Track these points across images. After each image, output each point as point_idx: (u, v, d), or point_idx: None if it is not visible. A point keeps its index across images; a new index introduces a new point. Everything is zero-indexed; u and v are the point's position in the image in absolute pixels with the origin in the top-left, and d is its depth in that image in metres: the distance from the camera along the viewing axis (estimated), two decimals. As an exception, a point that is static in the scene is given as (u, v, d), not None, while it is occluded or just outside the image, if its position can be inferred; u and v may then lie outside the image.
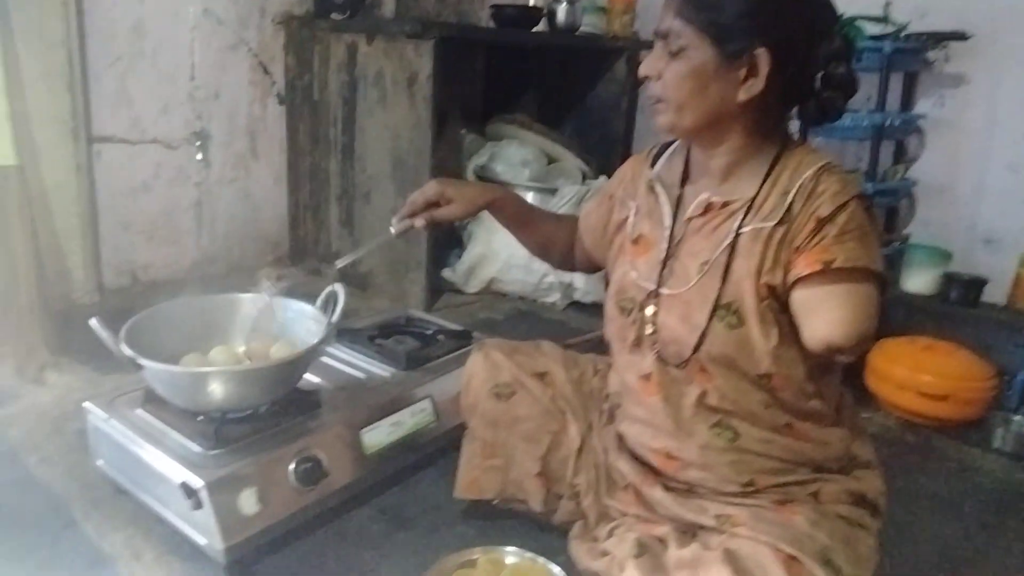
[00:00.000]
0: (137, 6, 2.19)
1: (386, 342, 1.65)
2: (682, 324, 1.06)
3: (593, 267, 1.37)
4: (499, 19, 2.63)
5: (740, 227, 1.03)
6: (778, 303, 1.01)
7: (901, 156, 2.50)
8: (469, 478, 1.30)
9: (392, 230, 1.27)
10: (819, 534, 0.99)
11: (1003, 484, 1.65)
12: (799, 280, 0.98)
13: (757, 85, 0.98)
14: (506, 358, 1.29)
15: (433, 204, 1.27)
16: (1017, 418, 1.83)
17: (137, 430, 1.26)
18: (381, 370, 1.55)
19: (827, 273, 0.95)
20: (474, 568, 1.18)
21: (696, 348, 1.04)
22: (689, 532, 1.08)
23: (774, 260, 1.00)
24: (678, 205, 1.12)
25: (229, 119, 2.48)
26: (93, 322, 1.17)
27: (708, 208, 1.07)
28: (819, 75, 1.03)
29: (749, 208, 1.03)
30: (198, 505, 1.13)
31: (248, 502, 1.17)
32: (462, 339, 1.70)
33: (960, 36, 2.23)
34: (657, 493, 1.12)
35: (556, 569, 1.17)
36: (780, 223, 1.00)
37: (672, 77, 1.01)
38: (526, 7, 2.63)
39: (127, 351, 1.17)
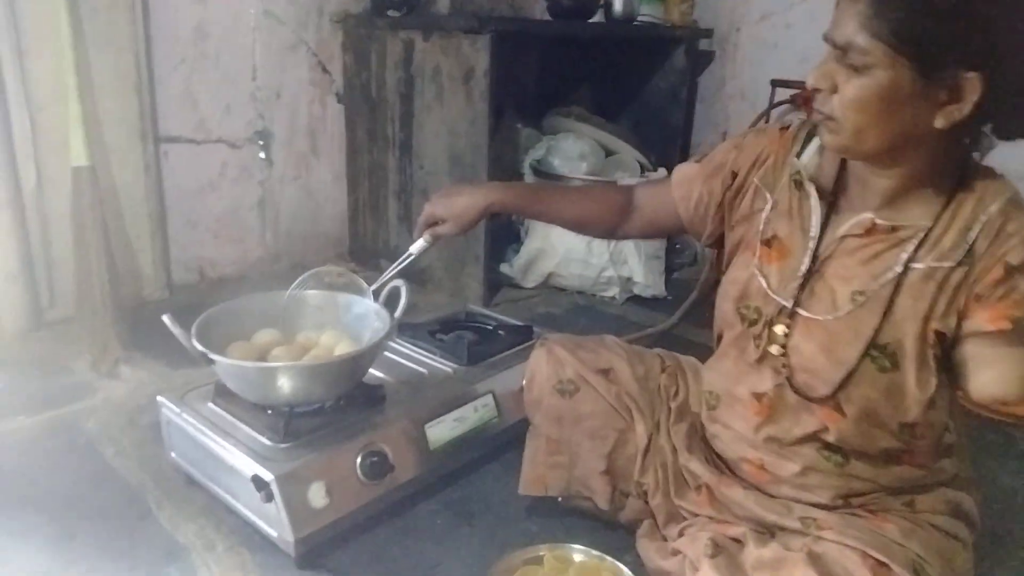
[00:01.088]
0: (199, 9, 2.24)
1: (447, 337, 1.65)
2: (824, 356, 0.96)
3: (658, 235, 1.30)
4: (555, 11, 2.60)
5: (911, 261, 0.92)
6: (943, 350, 0.93)
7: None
8: (534, 475, 1.28)
9: (412, 249, 1.33)
10: (912, 543, 0.94)
11: (1094, 485, 1.57)
12: (978, 332, 0.89)
13: (960, 111, 0.84)
14: (569, 354, 1.27)
15: (433, 223, 1.29)
16: (1108, 416, 1.73)
17: (208, 423, 1.28)
18: (443, 365, 1.55)
19: (1014, 331, 0.87)
20: (540, 565, 1.17)
21: (840, 386, 0.95)
22: (767, 532, 1.05)
23: (948, 305, 0.90)
24: (828, 215, 1.00)
25: (290, 118, 2.52)
26: (166, 318, 1.20)
27: (871, 230, 0.95)
28: None
29: (923, 241, 0.92)
30: (269, 498, 1.14)
31: (317, 495, 1.18)
32: (523, 334, 1.69)
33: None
34: (736, 493, 1.09)
35: (624, 568, 1.15)
36: (959, 264, 0.89)
37: (854, 96, 0.86)
38: (582, -2, 2.60)
39: (199, 347, 1.19)
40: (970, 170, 0.93)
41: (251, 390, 1.24)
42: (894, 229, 0.94)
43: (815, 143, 1.04)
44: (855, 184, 0.99)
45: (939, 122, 0.86)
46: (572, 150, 2.69)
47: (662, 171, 2.65)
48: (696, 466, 1.15)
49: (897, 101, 0.85)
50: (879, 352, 0.93)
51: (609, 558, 1.17)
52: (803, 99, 2.46)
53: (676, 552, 1.09)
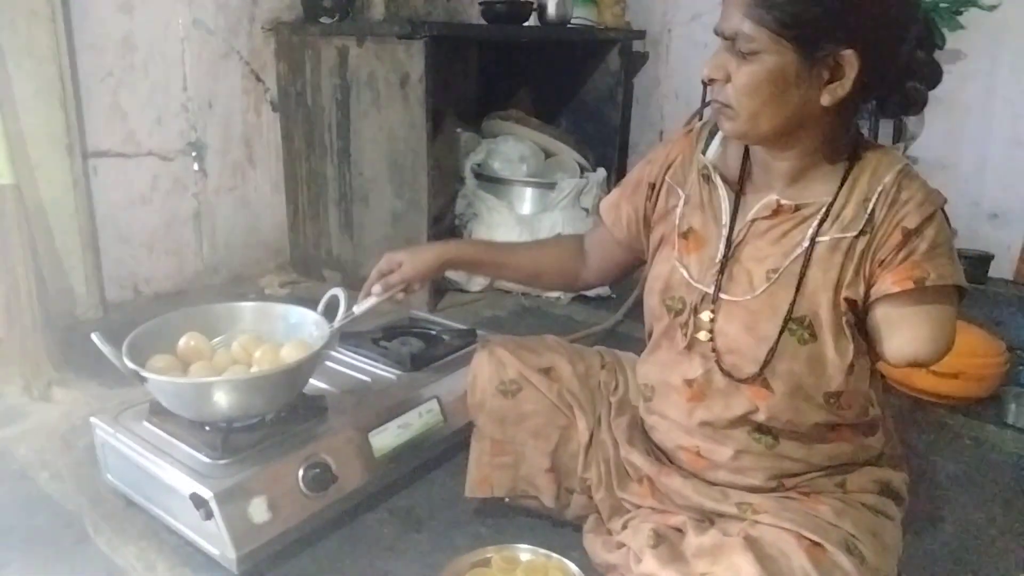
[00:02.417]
0: (126, 20, 2.18)
1: (390, 344, 1.65)
2: (747, 335, 1.00)
3: (617, 273, 1.29)
4: (489, 15, 2.62)
5: (816, 235, 0.97)
6: (856, 317, 0.98)
7: (901, 134, 2.49)
8: (479, 476, 1.29)
9: (355, 310, 1.30)
10: (844, 523, 0.98)
11: (1019, 459, 1.64)
12: (885, 296, 0.95)
13: (843, 88, 0.91)
14: (511, 355, 1.28)
15: (388, 274, 1.29)
16: (1030, 392, 1.82)
17: (144, 443, 1.25)
18: (387, 372, 1.54)
19: (917, 291, 0.93)
20: (488, 567, 1.17)
21: (765, 363, 0.99)
22: (706, 520, 1.07)
23: (855, 273, 0.96)
24: (737, 202, 1.05)
25: (224, 128, 2.48)
26: (95, 336, 1.17)
27: (777, 211, 1.00)
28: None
29: (825, 215, 0.97)
30: (208, 515, 1.12)
31: (258, 510, 1.16)
32: (467, 338, 1.70)
33: (954, 12, 2.22)
34: (675, 482, 1.11)
35: (571, 565, 1.16)
36: (861, 233, 0.95)
37: (745, 82, 0.92)
38: (516, 2, 2.62)
39: (130, 364, 1.16)
40: (863, 146, 1.00)
41: (186, 407, 1.22)
42: (798, 208, 1.00)
43: (719, 138, 1.10)
44: (758, 170, 1.04)
45: (825, 99, 0.92)
46: (512, 152, 2.71)
47: (601, 171, 2.68)
48: (637, 458, 1.17)
49: (785, 83, 0.92)
50: (797, 325, 0.98)
51: (556, 556, 1.18)
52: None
53: (620, 545, 1.11)
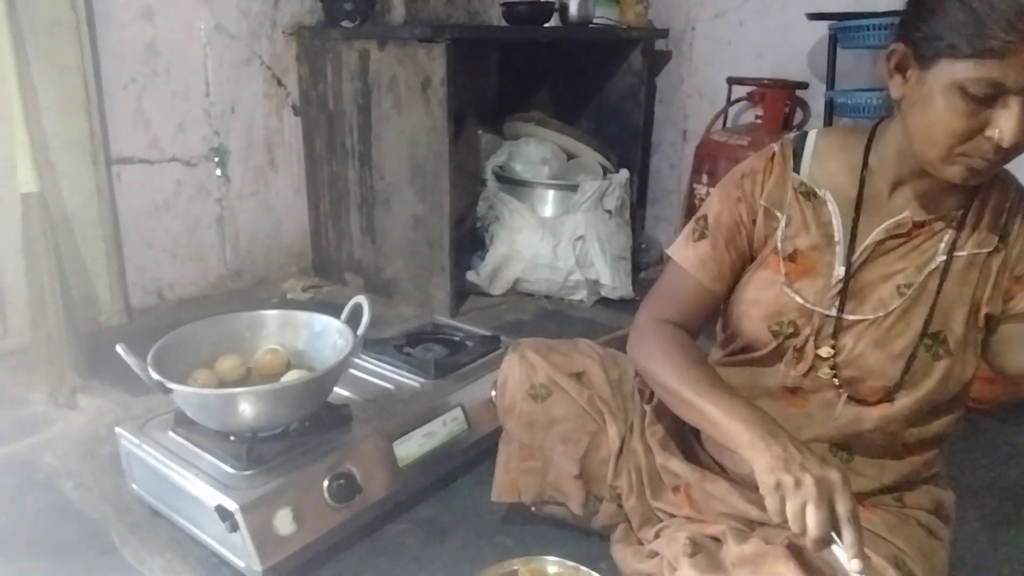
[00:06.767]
0: (148, 27, 2.19)
1: (414, 351, 1.63)
2: (879, 352, 0.96)
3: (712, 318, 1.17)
4: (510, 17, 2.59)
5: (953, 250, 0.94)
6: (987, 332, 0.97)
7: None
8: (507, 480, 1.26)
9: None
10: (896, 538, 0.95)
11: (1059, 466, 1.59)
12: (1021, 312, 0.93)
13: None
14: (542, 358, 1.25)
15: None
16: (1069, 396, 1.76)
17: (169, 453, 1.25)
18: (410, 380, 1.53)
19: None
20: (516, 579, 1.16)
21: (900, 379, 0.96)
22: (747, 529, 1.04)
23: (993, 289, 0.94)
24: (856, 217, 0.99)
25: (246, 133, 2.48)
26: (120, 348, 1.16)
27: (910, 229, 0.96)
28: None
29: (959, 229, 0.95)
30: (234, 527, 1.11)
31: (283, 522, 1.15)
32: (491, 344, 1.68)
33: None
34: (720, 488, 1.07)
35: (599, 576, 1.14)
36: (995, 250, 0.94)
37: None
38: (537, 2, 2.60)
39: (155, 375, 1.15)
40: None
41: (211, 417, 1.21)
42: (927, 222, 0.96)
43: (807, 154, 1.03)
44: (887, 187, 0.98)
45: None
46: (534, 155, 2.69)
47: (624, 172, 2.65)
48: (676, 465, 1.13)
49: None
50: (932, 340, 0.95)
51: (584, 568, 1.15)
52: (759, 96, 2.47)
53: (653, 554, 1.08)
